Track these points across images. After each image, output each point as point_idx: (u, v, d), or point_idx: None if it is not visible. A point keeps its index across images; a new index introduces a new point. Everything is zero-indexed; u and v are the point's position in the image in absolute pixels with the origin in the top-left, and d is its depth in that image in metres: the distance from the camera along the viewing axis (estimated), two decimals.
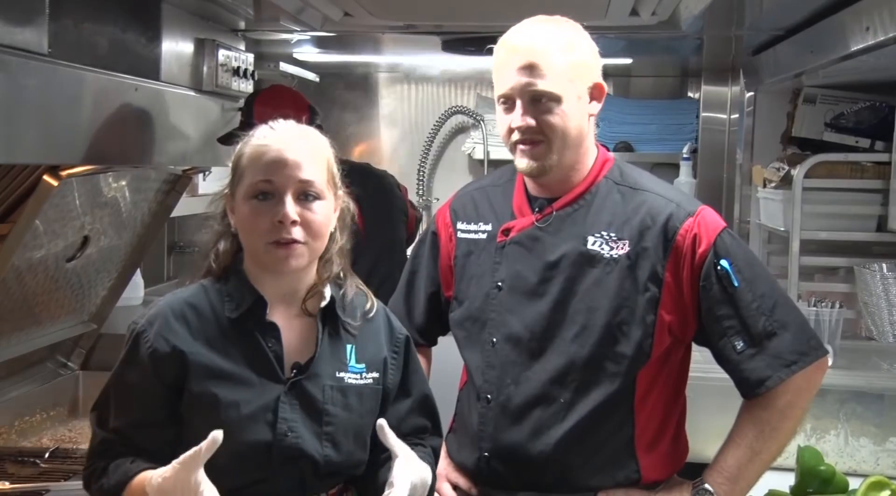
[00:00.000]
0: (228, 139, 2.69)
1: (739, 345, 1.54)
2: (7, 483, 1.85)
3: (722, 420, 2.05)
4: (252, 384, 1.35)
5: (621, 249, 1.55)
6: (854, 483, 1.76)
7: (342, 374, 1.41)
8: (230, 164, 1.42)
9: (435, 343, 1.85)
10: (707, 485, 1.54)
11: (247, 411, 1.34)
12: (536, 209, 1.62)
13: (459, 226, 1.71)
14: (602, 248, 1.56)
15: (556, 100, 1.51)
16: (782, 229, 2.71)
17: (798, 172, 2.58)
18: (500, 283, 1.61)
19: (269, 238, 1.35)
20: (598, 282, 1.55)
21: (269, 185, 1.35)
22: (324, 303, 1.43)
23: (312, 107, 2.64)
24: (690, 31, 2.65)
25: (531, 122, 1.52)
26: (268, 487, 1.35)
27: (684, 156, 3.43)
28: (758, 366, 1.53)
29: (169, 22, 2.38)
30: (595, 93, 1.58)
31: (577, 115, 1.55)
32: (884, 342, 2.39)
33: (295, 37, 3.00)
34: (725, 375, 2.13)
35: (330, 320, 1.44)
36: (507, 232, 1.62)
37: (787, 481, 1.84)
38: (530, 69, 1.51)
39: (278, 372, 1.38)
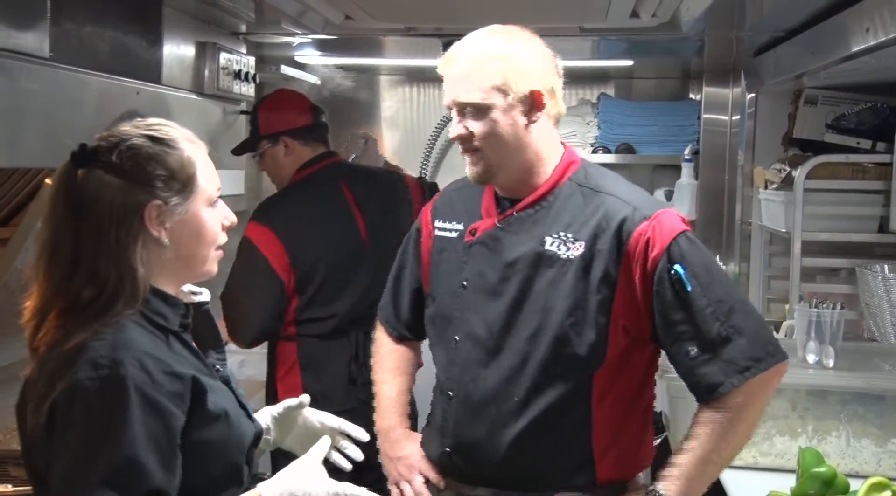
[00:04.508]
0: (242, 150, 2.70)
1: (693, 350, 1.54)
2: (10, 486, 1.86)
3: None
4: (219, 388, 1.34)
5: (577, 250, 1.57)
6: (856, 485, 1.76)
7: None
8: (165, 172, 1.28)
9: (423, 337, 1.87)
10: (659, 489, 1.54)
11: (236, 412, 1.35)
12: (501, 210, 1.66)
13: (437, 223, 1.76)
14: (559, 249, 1.58)
15: (483, 110, 1.56)
16: (784, 231, 2.71)
17: (799, 174, 2.58)
18: (464, 282, 1.66)
19: (220, 242, 1.36)
20: (553, 283, 1.58)
21: (218, 191, 1.36)
22: (203, 298, 1.42)
23: (314, 106, 2.65)
24: (691, 33, 2.65)
25: (461, 131, 1.58)
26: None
27: (686, 157, 3.43)
28: (710, 372, 1.53)
29: (170, 25, 2.39)
30: (533, 100, 1.58)
31: (509, 123, 1.57)
32: (885, 343, 2.38)
33: (296, 40, 3.01)
34: None
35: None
36: (473, 232, 1.67)
37: (788, 482, 1.84)
38: (457, 81, 1.58)
39: (213, 370, 1.37)
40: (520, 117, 1.57)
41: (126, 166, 1.27)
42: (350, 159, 3.08)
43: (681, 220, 1.59)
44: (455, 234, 1.70)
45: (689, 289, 1.52)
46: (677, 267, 1.52)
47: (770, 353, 1.54)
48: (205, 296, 1.43)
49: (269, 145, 2.56)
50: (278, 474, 1.34)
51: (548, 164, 1.63)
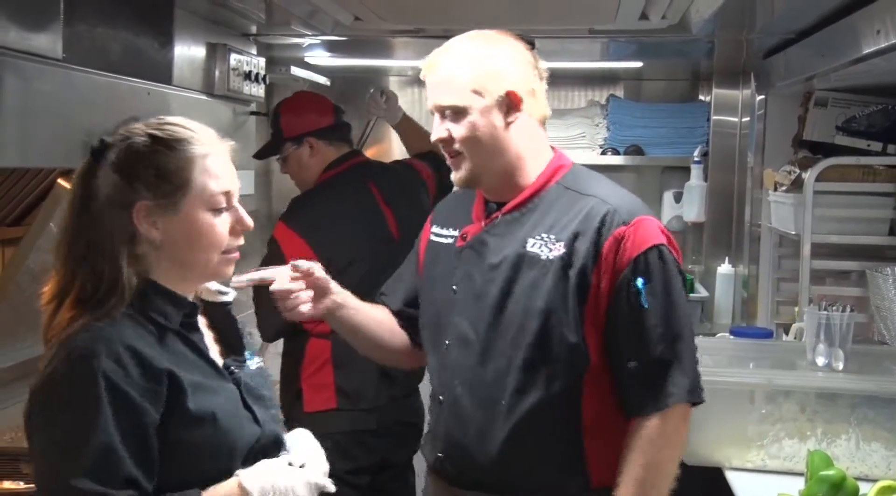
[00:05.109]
0: (264, 153, 2.71)
1: (632, 364, 1.54)
2: (21, 483, 1.87)
3: (732, 424, 2.04)
4: (220, 389, 1.33)
5: (557, 251, 1.57)
6: (865, 488, 1.76)
7: (248, 361, 1.42)
8: (155, 173, 1.28)
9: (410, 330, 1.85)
10: None
11: (231, 415, 1.32)
12: (488, 214, 1.66)
13: (434, 229, 1.77)
14: (541, 250, 1.58)
15: (461, 112, 1.59)
16: (793, 233, 2.71)
17: (809, 176, 2.57)
18: (455, 287, 1.65)
19: (227, 247, 1.33)
20: (534, 284, 1.57)
21: (229, 195, 1.33)
22: (227, 297, 1.42)
23: (336, 106, 2.65)
24: (701, 35, 2.65)
25: (443, 134, 1.61)
26: None
27: (695, 159, 3.43)
28: (641, 391, 1.54)
29: (181, 27, 2.40)
30: (511, 101, 1.59)
31: (487, 125, 1.59)
32: (895, 346, 2.38)
33: (306, 41, 3.02)
34: (735, 379, 2.13)
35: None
36: (464, 237, 1.67)
37: (796, 485, 1.83)
38: (436, 85, 1.61)
39: (223, 371, 1.36)
40: (497, 118, 1.59)
41: (122, 164, 1.29)
42: (374, 121, 3.02)
43: (660, 232, 1.57)
44: (450, 241, 1.70)
45: (644, 305, 1.52)
46: (638, 281, 1.52)
47: (696, 388, 1.56)
48: (229, 296, 1.43)
49: (294, 148, 2.57)
50: (254, 466, 1.31)
51: (532, 165, 1.63)
